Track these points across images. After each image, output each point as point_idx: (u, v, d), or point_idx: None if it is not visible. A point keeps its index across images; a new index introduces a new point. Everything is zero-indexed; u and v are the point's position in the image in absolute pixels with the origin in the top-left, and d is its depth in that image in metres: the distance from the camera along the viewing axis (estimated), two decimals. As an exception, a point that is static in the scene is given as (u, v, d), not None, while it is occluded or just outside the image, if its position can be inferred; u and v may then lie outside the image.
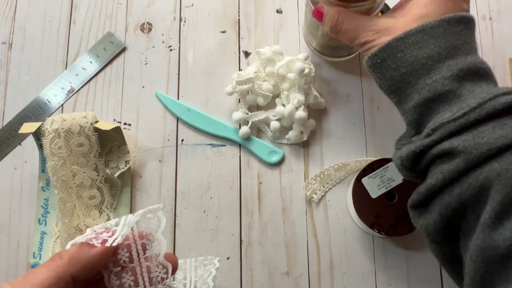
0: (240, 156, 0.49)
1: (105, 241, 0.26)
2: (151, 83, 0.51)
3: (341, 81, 0.50)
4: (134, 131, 0.49)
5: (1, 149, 0.49)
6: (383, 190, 0.44)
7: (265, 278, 0.46)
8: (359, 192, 0.44)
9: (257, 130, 0.49)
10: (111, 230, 0.27)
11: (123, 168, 0.46)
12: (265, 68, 0.48)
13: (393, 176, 0.44)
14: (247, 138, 0.48)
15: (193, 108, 0.50)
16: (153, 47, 0.52)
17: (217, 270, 0.37)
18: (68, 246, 0.27)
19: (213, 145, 0.49)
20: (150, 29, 0.52)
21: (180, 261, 0.32)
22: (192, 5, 0.53)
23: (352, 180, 0.46)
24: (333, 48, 0.48)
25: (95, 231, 0.27)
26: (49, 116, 0.49)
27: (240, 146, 0.49)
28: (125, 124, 0.50)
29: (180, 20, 0.52)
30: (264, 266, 0.46)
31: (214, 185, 0.48)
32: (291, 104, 0.46)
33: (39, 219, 0.46)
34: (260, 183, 0.48)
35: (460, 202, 0.29)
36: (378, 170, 0.44)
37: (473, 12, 0.53)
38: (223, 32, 0.52)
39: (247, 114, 0.48)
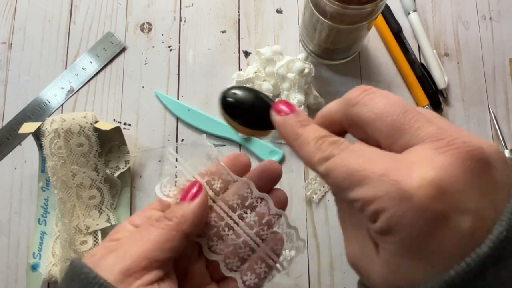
0: (240, 156, 0.49)
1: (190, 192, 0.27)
2: (151, 83, 0.51)
3: (341, 81, 0.50)
4: (134, 131, 0.49)
5: (1, 149, 0.49)
6: (383, 190, 0.44)
7: (265, 278, 0.46)
8: (359, 192, 0.44)
9: (257, 130, 0.49)
10: (184, 183, 0.28)
11: (123, 168, 0.46)
12: (265, 68, 0.48)
13: (393, 176, 0.44)
14: (247, 138, 0.48)
15: (193, 108, 0.50)
16: (153, 47, 0.52)
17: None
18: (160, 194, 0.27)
19: (213, 145, 0.49)
20: (150, 29, 0.52)
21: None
22: (192, 5, 0.53)
23: (352, 180, 0.46)
24: (330, 51, 0.48)
25: (171, 192, 0.28)
26: (49, 116, 0.49)
27: (240, 146, 0.49)
28: (125, 124, 0.50)
29: (180, 20, 0.52)
30: (264, 266, 0.46)
31: (214, 185, 0.48)
32: (291, 104, 0.46)
33: (39, 219, 0.46)
34: (260, 183, 0.48)
35: None
36: (378, 170, 0.44)
37: (473, 12, 0.53)
38: (223, 32, 0.52)
39: (247, 114, 0.48)
